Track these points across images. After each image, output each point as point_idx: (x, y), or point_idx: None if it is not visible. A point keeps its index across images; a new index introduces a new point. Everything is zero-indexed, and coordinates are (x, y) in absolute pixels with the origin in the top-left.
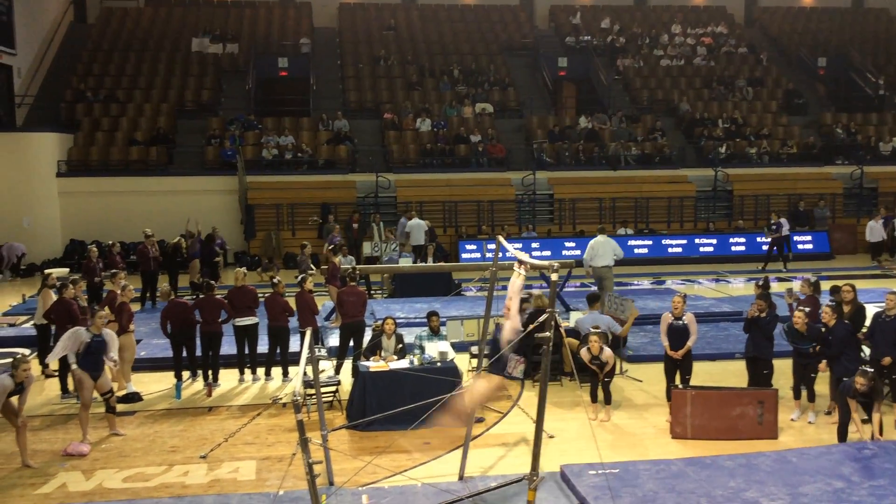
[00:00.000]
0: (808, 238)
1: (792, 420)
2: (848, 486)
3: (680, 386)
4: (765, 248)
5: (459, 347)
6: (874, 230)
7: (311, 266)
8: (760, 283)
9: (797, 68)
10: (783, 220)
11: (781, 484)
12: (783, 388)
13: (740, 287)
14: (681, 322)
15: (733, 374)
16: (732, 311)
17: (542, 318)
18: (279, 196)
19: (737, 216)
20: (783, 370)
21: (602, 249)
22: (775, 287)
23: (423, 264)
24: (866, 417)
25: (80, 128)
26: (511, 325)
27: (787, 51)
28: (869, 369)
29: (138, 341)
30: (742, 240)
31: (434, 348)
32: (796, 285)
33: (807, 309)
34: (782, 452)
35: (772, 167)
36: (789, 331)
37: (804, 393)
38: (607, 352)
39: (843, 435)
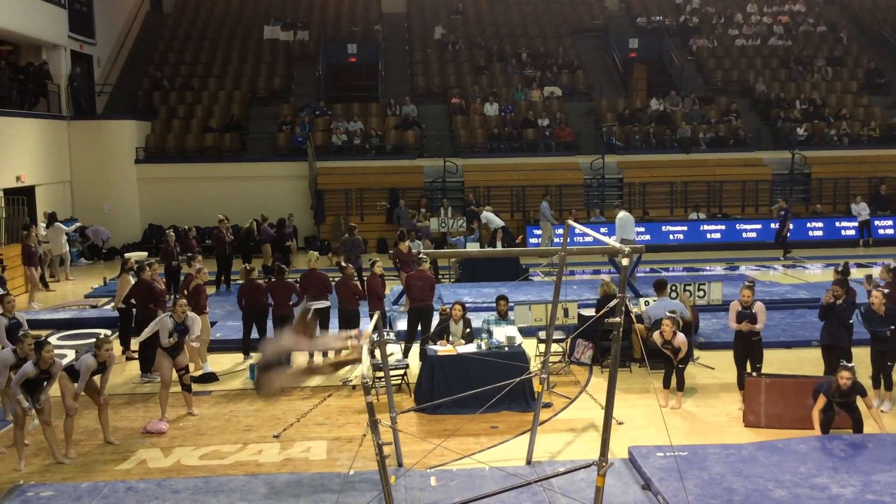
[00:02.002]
0: (890, 223)
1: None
2: None
3: (754, 374)
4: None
5: (527, 332)
6: None
7: (363, 248)
8: (839, 268)
9: (879, 46)
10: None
11: (854, 470)
12: (861, 377)
13: (817, 273)
14: (749, 311)
15: (810, 362)
16: (809, 297)
17: (612, 304)
18: (348, 181)
19: (815, 200)
20: (861, 358)
21: (629, 223)
22: (855, 273)
23: (491, 249)
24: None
25: (157, 115)
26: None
27: (869, 28)
28: (850, 364)
29: (213, 323)
30: (820, 224)
31: (502, 333)
32: (876, 271)
33: (886, 290)
34: (859, 438)
35: (852, 149)
36: (866, 313)
37: (883, 381)
38: (680, 337)
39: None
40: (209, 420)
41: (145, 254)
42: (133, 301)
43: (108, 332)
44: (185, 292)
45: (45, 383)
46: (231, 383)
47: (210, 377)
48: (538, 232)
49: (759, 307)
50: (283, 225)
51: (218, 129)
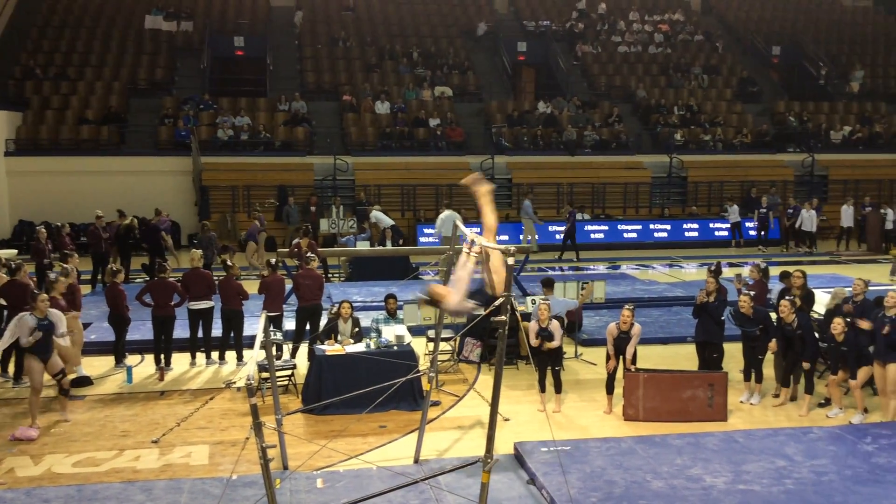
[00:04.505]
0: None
1: (741, 402)
2: (790, 464)
3: (632, 369)
4: (560, 237)
5: (416, 331)
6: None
7: (217, 245)
8: (712, 268)
9: (752, 56)
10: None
11: (726, 462)
12: (733, 372)
13: (693, 272)
14: (627, 335)
15: (685, 357)
16: (685, 295)
17: (498, 302)
18: (235, 178)
19: (690, 202)
20: (733, 354)
21: (448, 222)
22: (727, 272)
23: (381, 248)
24: None
25: (29, 106)
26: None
27: (743, 39)
28: None
29: (89, 325)
30: (695, 226)
31: (391, 332)
32: (745, 271)
33: (752, 293)
34: (730, 433)
35: (725, 154)
36: (736, 314)
37: (753, 375)
38: (555, 322)
39: None
40: (83, 426)
41: (14, 252)
42: (3, 302)
43: None
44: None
45: None
46: (106, 387)
47: (84, 381)
48: (428, 231)
49: (636, 331)
50: (147, 222)
51: (95, 122)
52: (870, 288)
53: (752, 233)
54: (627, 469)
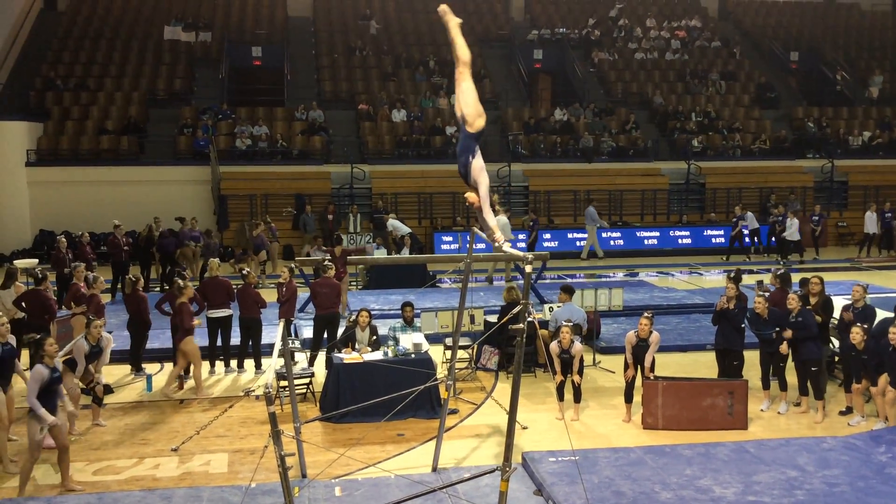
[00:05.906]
0: None
1: (762, 410)
2: (801, 475)
3: (651, 377)
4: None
5: (433, 339)
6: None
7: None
8: (732, 275)
9: (769, 62)
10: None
11: (736, 472)
12: (753, 380)
13: (712, 279)
14: (645, 343)
15: (704, 365)
16: (704, 302)
17: (515, 310)
18: (253, 187)
19: (709, 209)
20: (753, 362)
21: (504, 229)
22: (747, 280)
23: (398, 256)
24: None
25: (49, 116)
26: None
27: (760, 45)
28: None
29: (110, 332)
30: (714, 232)
31: (408, 340)
32: (766, 278)
33: (767, 294)
34: (741, 443)
35: (744, 160)
36: (752, 318)
37: (773, 383)
38: (578, 345)
39: None
40: (103, 434)
41: (35, 261)
42: (24, 305)
43: None
44: (73, 304)
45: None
46: (126, 395)
47: (104, 389)
48: (446, 239)
49: (655, 338)
50: (163, 235)
51: (115, 132)
52: (869, 294)
53: (773, 239)
54: (636, 479)
